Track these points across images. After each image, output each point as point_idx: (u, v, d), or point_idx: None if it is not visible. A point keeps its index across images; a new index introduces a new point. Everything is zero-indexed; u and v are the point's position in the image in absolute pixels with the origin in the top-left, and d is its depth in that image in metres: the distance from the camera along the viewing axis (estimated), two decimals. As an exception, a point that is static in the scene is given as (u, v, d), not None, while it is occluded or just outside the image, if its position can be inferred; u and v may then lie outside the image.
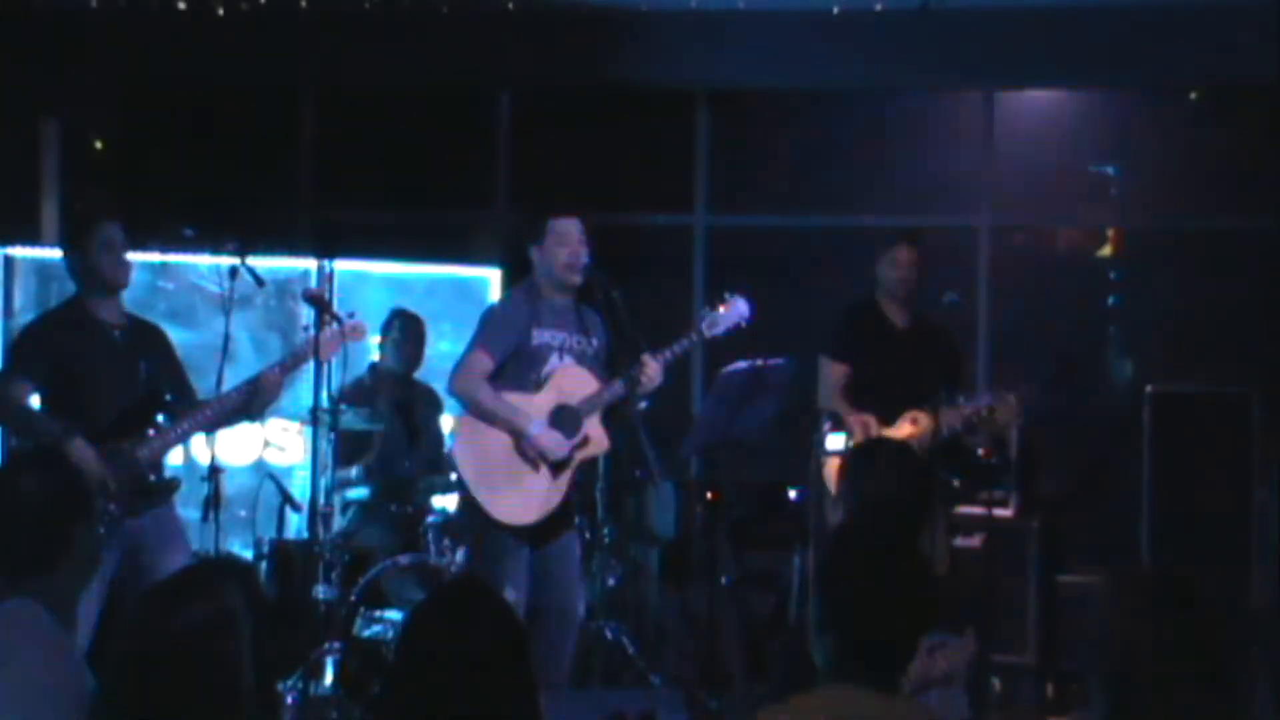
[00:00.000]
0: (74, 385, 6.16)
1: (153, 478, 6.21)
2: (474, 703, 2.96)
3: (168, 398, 6.36)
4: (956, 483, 7.52)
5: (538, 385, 6.36)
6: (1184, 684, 2.88)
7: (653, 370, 6.32)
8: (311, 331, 6.51)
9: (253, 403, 6.33)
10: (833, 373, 7.32)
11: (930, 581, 3.31)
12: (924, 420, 7.11)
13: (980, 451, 7.70)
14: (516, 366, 6.36)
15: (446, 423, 8.07)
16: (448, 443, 8.11)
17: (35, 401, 6.28)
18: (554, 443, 6.31)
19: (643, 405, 6.41)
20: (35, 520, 3.51)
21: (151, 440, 6.21)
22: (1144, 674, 2.86)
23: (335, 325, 6.55)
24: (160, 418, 6.31)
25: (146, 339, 6.42)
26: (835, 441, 7.08)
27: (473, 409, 6.36)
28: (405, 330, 8.07)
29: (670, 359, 6.42)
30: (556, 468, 6.35)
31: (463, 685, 2.96)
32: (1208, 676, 2.92)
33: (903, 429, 7.11)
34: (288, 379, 6.54)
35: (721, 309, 6.55)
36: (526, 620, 6.04)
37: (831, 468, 6.92)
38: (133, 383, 6.26)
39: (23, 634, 3.39)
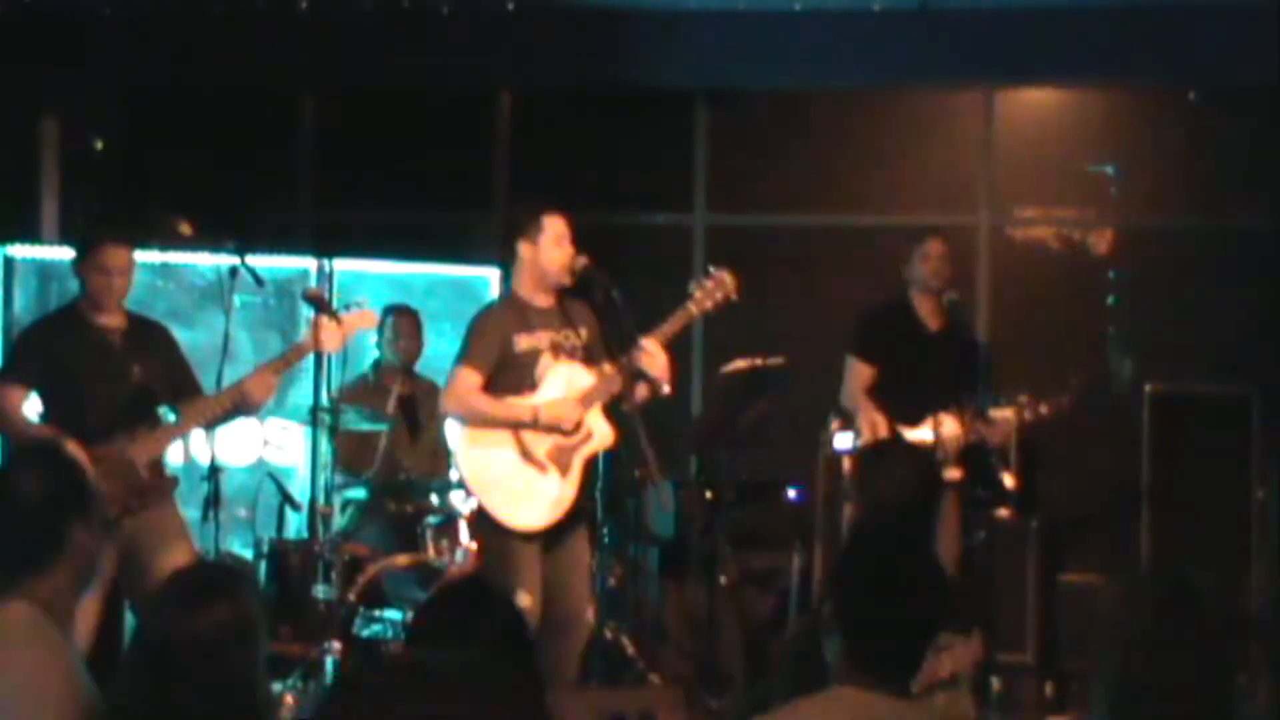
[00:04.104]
0: (68, 388, 6.20)
1: (146, 475, 6.23)
2: (480, 701, 2.96)
3: (162, 398, 6.39)
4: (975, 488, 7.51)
5: (532, 389, 6.34)
6: (1187, 683, 2.88)
7: (653, 351, 6.29)
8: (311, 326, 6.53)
9: (243, 405, 6.36)
10: (859, 373, 7.28)
11: (943, 584, 3.31)
12: (949, 423, 7.09)
13: (1005, 476, 7.68)
14: (507, 375, 6.34)
15: (449, 426, 8.06)
16: (451, 443, 8.10)
17: (35, 405, 6.31)
18: (563, 410, 6.28)
19: (665, 391, 6.38)
20: (33, 520, 3.48)
21: (145, 439, 6.23)
22: (1148, 674, 2.86)
23: (335, 319, 6.55)
24: (157, 416, 6.33)
25: (146, 339, 6.44)
26: (843, 441, 7.07)
27: (472, 421, 6.35)
28: (397, 326, 8.06)
29: (665, 338, 6.40)
30: (562, 467, 6.33)
31: (468, 684, 2.96)
32: (1210, 675, 2.92)
33: (927, 431, 7.08)
34: (281, 376, 6.56)
35: (709, 283, 6.53)
36: (538, 625, 6.04)
37: (846, 467, 6.93)
38: (126, 385, 6.27)
39: (18, 637, 3.37)
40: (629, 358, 6.28)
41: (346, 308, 6.70)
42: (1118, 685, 2.90)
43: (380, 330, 8.04)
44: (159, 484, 6.30)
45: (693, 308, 6.49)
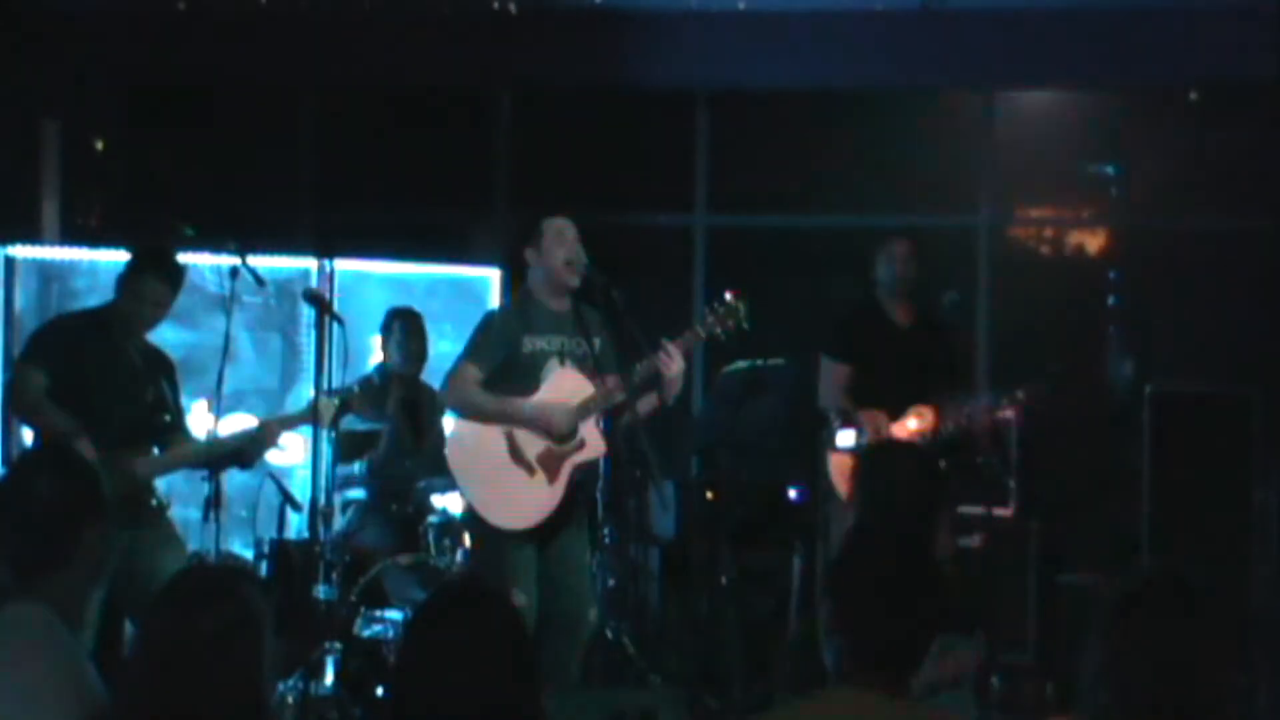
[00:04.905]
0: (82, 388, 6.20)
1: (153, 502, 6.27)
2: (478, 701, 2.96)
3: (162, 429, 6.43)
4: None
5: (535, 390, 6.35)
6: (1184, 682, 2.88)
7: (674, 355, 6.27)
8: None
9: (248, 451, 6.41)
10: (835, 374, 7.31)
11: (942, 585, 3.31)
12: (929, 416, 7.12)
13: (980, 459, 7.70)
14: (511, 375, 6.34)
15: (449, 425, 8.06)
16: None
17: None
18: (556, 416, 6.28)
19: (668, 401, 6.38)
20: (46, 521, 3.50)
21: (152, 459, 6.27)
22: (1145, 673, 2.87)
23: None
24: (158, 441, 6.37)
25: (159, 367, 6.49)
26: (845, 438, 7.08)
27: (469, 414, 6.36)
28: (405, 329, 8.04)
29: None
30: (550, 472, 6.32)
31: (466, 683, 2.97)
32: (1207, 673, 2.92)
33: (909, 425, 7.11)
34: (285, 431, 6.65)
35: (720, 309, 6.53)
36: (536, 625, 6.05)
37: (841, 465, 6.94)
38: (140, 402, 6.30)
39: (30, 636, 3.39)
40: (648, 359, 6.27)
41: (348, 389, 6.77)
42: (1114, 684, 2.90)
43: (386, 333, 8.03)
44: (154, 506, 6.33)
45: (700, 330, 6.48)
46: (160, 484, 6.47)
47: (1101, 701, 2.93)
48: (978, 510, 7.98)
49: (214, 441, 6.50)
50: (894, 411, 7.15)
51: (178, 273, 6.44)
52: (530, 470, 6.31)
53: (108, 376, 6.27)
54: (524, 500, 6.30)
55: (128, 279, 6.37)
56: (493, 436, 6.32)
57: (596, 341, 6.42)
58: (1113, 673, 2.92)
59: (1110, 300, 9.76)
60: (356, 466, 7.71)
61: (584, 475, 6.52)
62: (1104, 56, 9.30)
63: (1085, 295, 9.74)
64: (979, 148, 9.68)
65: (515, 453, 6.31)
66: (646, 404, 6.40)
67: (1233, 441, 8.25)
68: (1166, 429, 8.37)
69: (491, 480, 6.30)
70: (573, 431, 6.34)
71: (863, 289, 7.63)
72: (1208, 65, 9.17)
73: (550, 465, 6.34)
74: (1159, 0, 9.17)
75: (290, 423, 6.69)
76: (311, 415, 6.53)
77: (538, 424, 6.28)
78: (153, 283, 6.33)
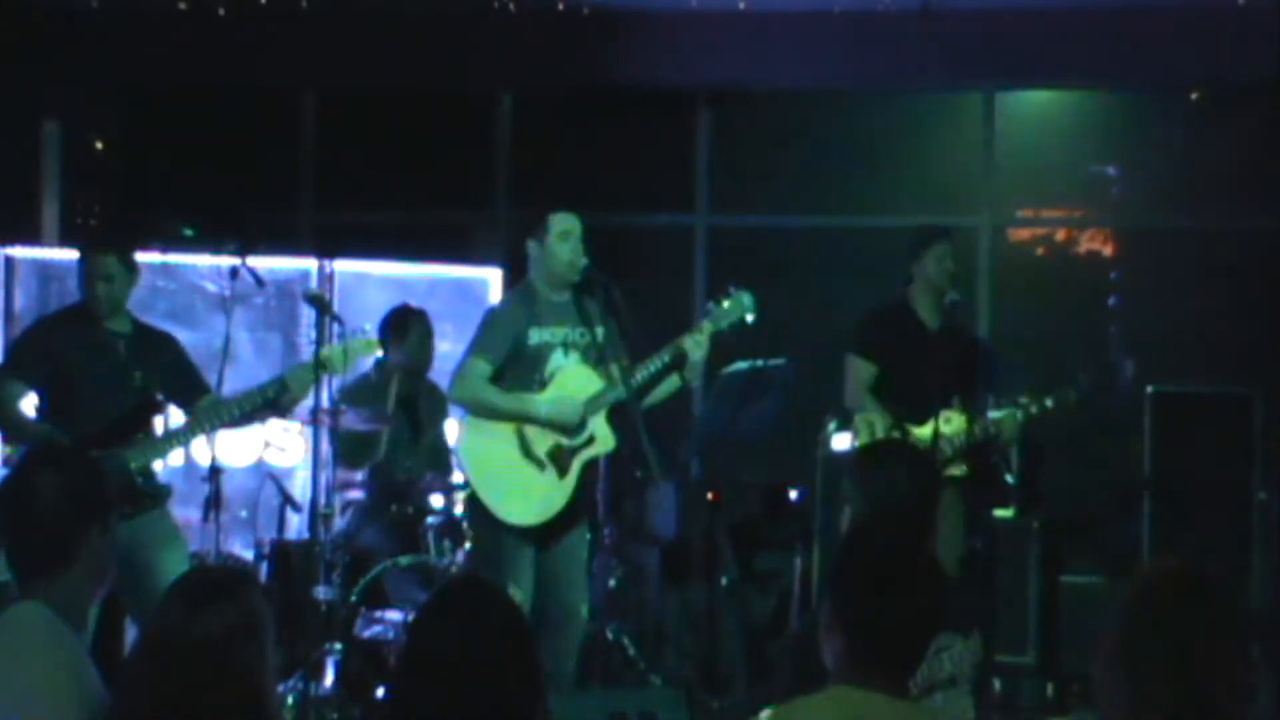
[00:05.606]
0: (69, 389, 6.21)
1: (141, 481, 6.24)
2: (481, 701, 2.96)
3: (167, 405, 6.40)
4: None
5: (541, 385, 6.37)
6: (1203, 679, 2.88)
7: (701, 340, 6.31)
8: (320, 335, 6.54)
9: (282, 400, 6.36)
10: (861, 372, 7.23)
11: (941, 584, 3.30)
12: (956, 420, 7.05)
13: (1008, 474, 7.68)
14: (518, 368, 6.36)
15: (450, 426, 8.05)
16: (452, 443, 8.10)
17: (32, 401, 6.32)
18: (568, 407, 6.30)
19: (694, 382, 6.43)
20: (50, 522, 3.50)
21: (144, 446, 6.24)
22: (1154, 669, 2.86)
23: (337, 320, 6.58)
24: (155, 425, 6.35)
25: (151, 347, 6.46)
26: (840, 440, 7.07)
27: (478, 410, 6.37)
28: (423, 332, 7.98)
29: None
30: (560, 467, 6.34)
31: (469, 683, 2.96)
32: (1224, 669, 2.92)
33: (937, 429, 7.05)
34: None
35: (725, 303, 6.54)
36: (531, 621, 6.05)
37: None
38: (127, 392, 6.28)
39: (33, 637, 3.39)
40: (675, 342, 6.31)
41: (355, 333, 6.71)
42: (1129, 678, 2.89)
43: (402, 332, 7.99)
44: (150, 492, 6.31)
45: (709, 325, 6.49)
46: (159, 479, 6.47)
47: (1116, 697, 2.92)
48: (981, 510, 7.98)
49: (246, 393, 6.41)
50: (921, 414, 7.08)
51: (120, 246, 6.41)
52: (541, 466, 6.33)
53: (90, 370, 6.27)
54: (534, 497, 6.32)
55: (78, 268, 6.36)
56: (503, 433, 6.34)
57: (599, 331, 6.43)
58: (1127, 667, 2.91)
59: (1110, 300, 9.76)
60: (359, 476, 7.68)
61: (589, 473, 6.54)
62: (1104, 56, 9.30)
63: (1085, 295, 9.74)
64: (979, 148, 9.68)
65: (526, 450, 6.34)
66: (648, 399, 6.43)
67: (1233, 441, 8.25)
68: (1168, 429, 8.37)
69: (503, 477, 6.33)
70: (582, 425, 6.36)
71: (865, 287, 7.61)
72: (1208, 65, 9.17)
73: (560, 460, 6.37)
74: (1159, 0, 9.17)
75: (311, 369, 6.60)
76: (320, 363, 6.49)
77: (554, 423, 6.31)
78: (94, 258, 6.31)
